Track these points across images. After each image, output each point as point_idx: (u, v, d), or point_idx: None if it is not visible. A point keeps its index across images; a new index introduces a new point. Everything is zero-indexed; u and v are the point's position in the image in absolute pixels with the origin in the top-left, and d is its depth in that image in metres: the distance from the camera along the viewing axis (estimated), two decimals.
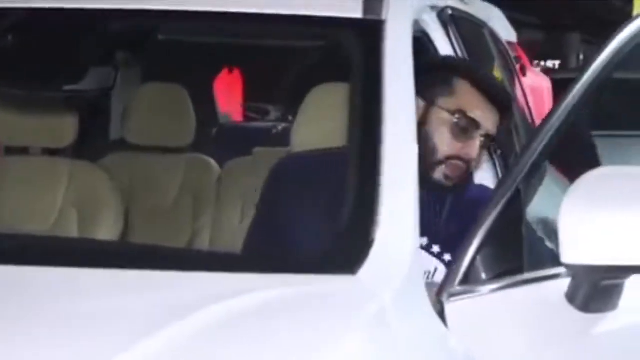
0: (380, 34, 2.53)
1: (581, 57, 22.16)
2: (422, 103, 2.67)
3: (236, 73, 6.61)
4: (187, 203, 3.96)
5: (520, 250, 2.37)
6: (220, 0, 2.73)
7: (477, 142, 2.69)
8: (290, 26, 2.77)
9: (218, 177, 3.98)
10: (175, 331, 1.79)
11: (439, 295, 2.24)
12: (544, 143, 2.37)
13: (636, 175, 2.29)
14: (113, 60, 4.20)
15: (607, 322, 2.32)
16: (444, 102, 2.70)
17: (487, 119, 2.70)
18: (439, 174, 2.67)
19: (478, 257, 2.29)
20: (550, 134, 2.38)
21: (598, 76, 2.43)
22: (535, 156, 2.37)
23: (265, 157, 3.83)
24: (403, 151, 2.35)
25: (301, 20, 2.67)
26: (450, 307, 2.23)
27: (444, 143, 2.67)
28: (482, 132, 2.69)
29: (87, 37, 3.04)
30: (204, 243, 3.87)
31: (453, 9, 3.28)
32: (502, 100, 2.77)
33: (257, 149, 4.04)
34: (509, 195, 2.32)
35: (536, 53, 18.85)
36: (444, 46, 3.08)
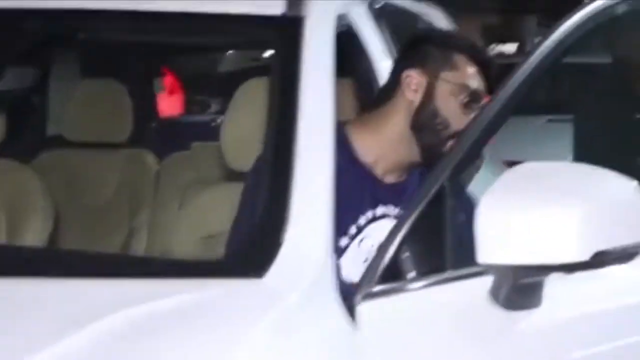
0: (300, 31, 2.52)
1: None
2: (423, 79, 2.72)
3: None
4: (124, 200, 3.92)
5: (443, 248, 2.33)
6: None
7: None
8: (213, 24, 2.73)
9: (156, 173, 3.94)
10: (68, 343, 1.77)
11: (355, 295, 2.21)
12: (474, 137, 2.36)
13: (554, 172, 2.29)
14: (39, 59, 4.14)
15: (531, 319, 2.31)
16: (447, 76, 2.72)
17: (475, 80, 2.75)
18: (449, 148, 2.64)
19: (399, 255, 2.26)
20: (481, 127, 2.36)
21: (540, 63, 2.41)
22: (464, 151, 2.35)
23: (204, 152, 3.82)
24: (318, 150, 2.33)
25: (223, 19, 2.66)
26: (364, 307, 2.20)
27: (454, 117, 2.70)
28: (482, 104, 2.70)
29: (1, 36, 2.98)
30: (141, 241, 3.84)
31: (386, 2, 3.22)
32: (492, 69, 2.81)
33: (195, 144, 4.01)
34: (433, 191, 2.29)
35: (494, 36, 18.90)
36: (373, 40, 3.03)
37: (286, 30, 2.54)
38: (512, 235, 2.11)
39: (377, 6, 3.17)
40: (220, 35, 3.09)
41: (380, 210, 2.71)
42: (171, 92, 6.81)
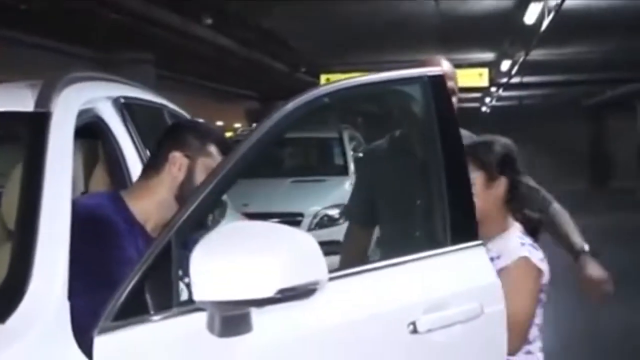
0: (46, 124, 2.43)
1: None
2: (185, 160, 2.68)
3: None
4: None
5: (171, 288, 2.23)
6: None
7: None
8: None
9: None
10: None
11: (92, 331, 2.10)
12: (198, 201, 2.28)
13: (252, 229, 2.27)
14: None
15: (246, 342, 2.22)
16: (205, 161, 2.69)
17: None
18: None
19: (134, 294, 2.17)
20: (204, 194, 2.29)
21: (252, 146, 2.36)
22: (189, 211, 2.27)
23: None
24: (57, 220, 2.24)
25: None
26: (99, 342, 2.08)
27: None
28: None
29: None
30: None
31: (127, 97, 3.15)
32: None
33: None
34: (163, 243, 2.22)
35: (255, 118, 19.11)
36: (119, 130, 2.96)
37: (35, 124, 2.45)
38: (216, 277, 2.08)
39: (121, 101, 3.08)
40: None
41: None
42: None
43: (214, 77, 17.76)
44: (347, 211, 3.62)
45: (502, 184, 3.12)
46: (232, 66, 15.29)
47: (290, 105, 2.43)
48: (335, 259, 8.41)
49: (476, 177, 3.04)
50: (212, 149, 2.71)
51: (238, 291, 2.06)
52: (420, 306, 2.52)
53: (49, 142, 2.36)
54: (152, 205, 2.65)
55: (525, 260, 3.01)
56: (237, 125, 23.32)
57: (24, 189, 2.30)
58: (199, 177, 2.64)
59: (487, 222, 2.97)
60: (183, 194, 2.64)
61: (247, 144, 2.37)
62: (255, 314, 2.18)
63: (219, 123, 22.36)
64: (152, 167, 2.71)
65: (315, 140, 10.98)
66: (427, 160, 2.88)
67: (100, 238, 2.47)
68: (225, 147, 2.74)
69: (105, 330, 2.11)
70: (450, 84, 3.36)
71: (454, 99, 3.43)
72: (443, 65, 3.42)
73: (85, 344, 2.08)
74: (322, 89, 2.52)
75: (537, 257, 3.05)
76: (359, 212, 3.74)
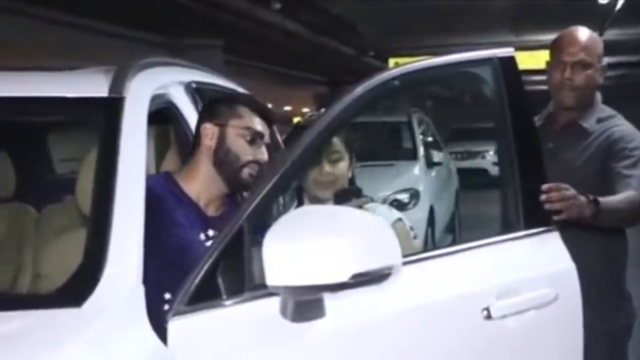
0: (119, 108, 2.45)
1: None
2: (216, 129, 2.75)
3: None
4: (11, 245, 3.74)
5: (244, 273, 2.24)
6: None
7: (264, 147, 2.77)
8: (45, 107, 2.62)
9: (36, 221, 3.77)
10: None
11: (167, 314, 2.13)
12: (271, 183, 2.30)
13: (324, 213, 2.26)
14: None
15: (319, 328, 2.22)
16: (235, 123, 2.76)
17: (264, 130, 2.80)
18: (245, 174, 2.73)
19: (207, 279, 2.19)
20: (278, 176, 2.31)
21: (322, 130, 2.38)
22: (262, 194, 2.28)
23: (72, 203, 3.67)
24: (132, 206, 2.26)
25: (53, 101, 2.57)
26: (174, 325, 2.10)
27: (243, 151, 2.73)
28: (265, 140, 2.78)
29: None
30: (27, 279, 3.65)
31: (198, 82, 3.18)
32: (270, 116, 2.86)
33: (67, 196, 3.86)
34: (235, 229, 2.23)
35: (323, 103, 19.15)
36: (191, 114, 2.98)
37: (109, 109, 2.47)
38: (289, 262, 2.08)
39: (192, 86, 3.13)
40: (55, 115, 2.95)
41: (211, 232, 2.68)
42: None
43: (282, 62, 17.82)
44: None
45: None
46: (300, 51, 15.33)
47: (360, 88, 2.42)
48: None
49: None
50: (241, 109, 2.77)
51: (311, 276, 2.06)
52: (493, 291, 2.50)
53: (123, 127, 2.38)
54: (199, 182, 2.73)
55: None
56: (305, 110, 23.37)
57: (98, 173, 2.32)
58: (232, 140, 2.73)
59: None
60: (219, 160, 2.72)
61: (317, 128, 2.37)
62: (328, 299, 2.19)
63: (287, 108, 22.44)
64: (192, 146, 2.81)
65: (384, 124, 10.93)
66: (499, 143, 2.85)
67: (158, 217, 2.51)
68: (256, 105, 2.81)
69: (179, 314, 2.14)
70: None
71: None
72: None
73: (159, 328, 2.11)
74: (392, 72, 2.51)
75: None
76: None
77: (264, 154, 2.75)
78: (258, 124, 2.77)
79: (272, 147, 2.91)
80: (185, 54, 10.94)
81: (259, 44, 14.03)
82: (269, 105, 3.05)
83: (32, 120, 3.43)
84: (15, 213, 3.74)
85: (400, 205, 8.97)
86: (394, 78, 2.50)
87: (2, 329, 1.87)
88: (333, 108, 2.41)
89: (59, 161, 4.36)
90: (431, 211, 9.05)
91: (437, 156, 10.08)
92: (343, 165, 3.02)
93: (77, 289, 2.05)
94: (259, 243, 2.15)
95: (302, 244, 2.07)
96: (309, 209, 2.26)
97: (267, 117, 2.82)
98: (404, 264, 2.24)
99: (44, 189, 4.11)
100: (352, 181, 3.13)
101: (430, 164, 9.81)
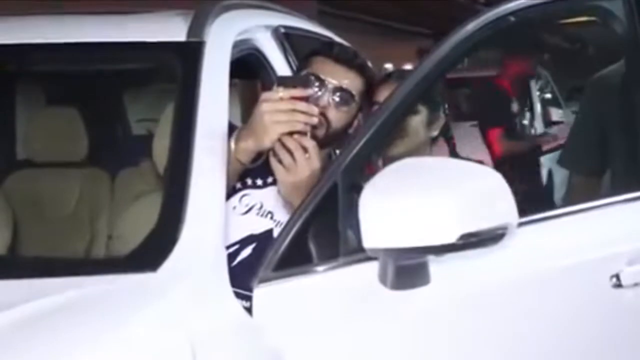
0: (199, 54, 2.44)
1: None
2: None
3: None
4: (84, 211, 3.81)
5: (337, 236, 2.21)
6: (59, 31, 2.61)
7: (326, 95, 2.60)
8: (115, 53, 2.63)
9: (110, 186, 3.83)
10: None
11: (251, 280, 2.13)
12: (367, 136, 2.27)
13: (426, 166, 2.21)
14: (5, 91, 4.02)
15: (423, 296, 2.18)
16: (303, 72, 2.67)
17: (336, 77, 2.63)
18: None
19: (296, 242, 2.17)
20: (374, 128, 2.27)
21: (427, 75, 2.33)
22: (357, 148, 2.26)
23: (147, 166, 3.71)
24: (212, 160, 2.24)
25: (130, 46, 2.57)
26: (259, 293, 2.09)
27: (327, 112, 2.61)
28: (330, 86, 2.61)
29: None
30: (101, 245, 3.72)
31: (287, 27, 3.14)
32: (353, 61, 2.71)
33: (143, 160, 3.90)
34: (327, 187, 2.21)
35: None
36: (279, 61, 2.96)
37: (187, 54, 2.46)
38: (388, 221, 2.03)
39: (281, 31, 3.08)
40: (132, 62, 2.95)
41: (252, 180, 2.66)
42: None
43: (381, 12, 17.68)
44: (565, 158, 3.24)
45: None
46: (403, 0, 15.19)
47: (471, 25, 2.36)
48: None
49: None
50: (318, 60, 2.68)
51: (414, 237, 2.01)
52: (624, 256, 2.41)
53: (203, 74, 2.37)
54: None
55: None
56: (408, 67, 23.19)
57: (175, 125, 2.32)
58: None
59: None
60: None
61: (419, 74, 2.32)
62: (433, 263, 2.15)
63: (388, 65, 22.29)
64: None
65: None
66: (630, 93, 2.75)
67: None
68: (336, 55, 2.69)
69: (265, 281, 2.12)
70: None
71: None
72: None
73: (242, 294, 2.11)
74: (509, 6, 2.43)
75: None
76: (585, 157, 3.27)
77: (322, 99, 2.60)
78: (323, 70, 2.65)
79: (368, 104, 2.84)
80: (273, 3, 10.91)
81: None
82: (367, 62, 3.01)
83: (103, 72, 3.47)
84: (88, 178, 3.80)
85: None
86: (511, 13, 2.42)
87: (64, 297, 1.87)
88: (439, 48, 2.35)
89: (135, 122, 4.41)
90: (549, 175, 8.90)
91: (556, 114, 9.90)
92: (416, 119, 2.90)
93: (151, 252, 2.04)
94: (355, 201, 2.11)
95: (402, 201, 2.02)
96: (410, 162, 2.18)
97: (351, 63, 2.71)
98: (520, 224, 2.18)
99: (119, 151, 4.17)
100: (449, 141, 3.06)
101: (548, 123, 9.65)
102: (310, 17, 4.11)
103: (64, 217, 3.82)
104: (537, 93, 10.24)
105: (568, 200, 3.41)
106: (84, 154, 3.80)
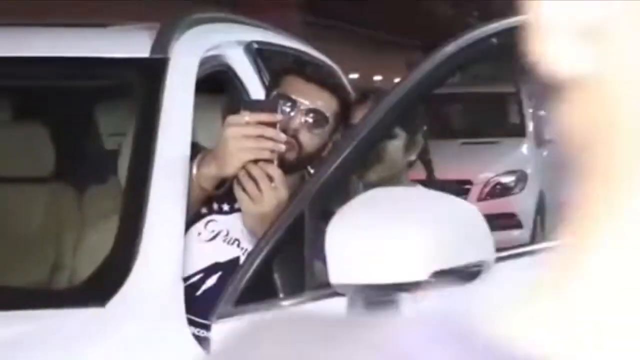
0: (161, 72, 2.37)
1: None
2: None
3: None
4: (50, 227, 3.72)
5: (304, 269, 2.13)
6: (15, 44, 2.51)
7: (298, 117, 2.48)
8: (76, 69, 2.54)
9: (78, 204, 3.74)
10: None
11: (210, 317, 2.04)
12: (337, 162, 2.18)
13: (399, 197, 2.14)
14: None
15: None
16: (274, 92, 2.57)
17: (308, 97, 2.51)
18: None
19: (259, 275, 2.08)
20: (345, 153, 2.19)
21: (405, 96, 2.25)
22: (326, 175, 2.17)
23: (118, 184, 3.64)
24: (171, 186, 2.17)
25: (92, 61, 2.49)
26: (218, 329, 2.01)
27: (304, 139, 2.50)
28: (302, 107, 2.50)
29: None
30: (68, 264, 3.63)
31: (261, 42, 3.06)
32: (326, 80, 2.62)
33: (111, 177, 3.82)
34: (296, 213, 2.13)
35: None
36: (250, 78, 2.87)
37: (150, 71, 2.39)
38: (357, 256, 1.96)
39: (254, 47, 3.00)
40: (91, 78, 2.85)
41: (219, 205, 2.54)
42: None
43: (370, 22, 17.68)
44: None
45: None
46: (390, 9, 15.17)
47: (451, 47, 2.28)
48: (508, 235, 8.20)
49: None
50: (290, 80, 2.57)
51: (384, 273, 1.94)
52: None
53: (165, 92, 2.29)
54: None
55: None
56: (398, 80, 23.22)
57: (134, 147, 2.25)
58: None
59: None
60: None
61: (395, 95, 2.24)
62: (405, 301, 2.05)
63: (377, 78, 22.31)
64: None
65: (488, 95, 10.75)
66: None
67: None
68: (311, 75, 2.58)
69: (224, 316, 2.03)
70: None
71: None
72: None
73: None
74: (491, 27, 2.35)
75: None
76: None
77: (294, 122, 2.49)
78: (295, 90, 2.53)
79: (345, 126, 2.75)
80: (254, 13, 10.87)
81: (341, 1, 13.92)
82: (354, 75, 2.91)
83: (69, 86, 3.39)
84: (54, 194, 3.72)
85: (504, 189, 8.81)
86: (493, 35, 2.35)
87: (10, 331, 1.78)
88: (416, 71, 2.27)
89: (107, 136, 4.32)
90: (541, 197, 8.85)
91: (549, 133, 9.85)
92: (394, 144, 2.73)
93: (100, 284, 1.96)
94: (321, 233, 2.03)
95: (372, 235, 1.95)
96: (378, 193, 2.11)
97: (325, 83, 2.61)
98: (498, 259, 2.09)
99: (88, 167, 4.08)
100: (427, 165, 2.97)
101: (541, 142, 9.61)
102: (293, 26, 4.02)
103: (27, 235, 3.73)
104: (530, 110, 10.21)
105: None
106: (50, 169, 3.72)
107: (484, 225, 2.04)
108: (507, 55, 2.59)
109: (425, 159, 2.93)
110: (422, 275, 1.93)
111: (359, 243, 1.96)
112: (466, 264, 1.99)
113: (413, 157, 2.83)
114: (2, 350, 1.73)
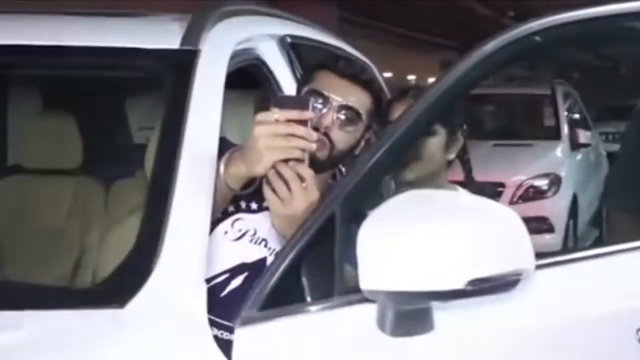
0: (191, 64, 2.29)
1: None
2: None
3: None
4: (75, 222, 3.66)
5: (333, 273, 2.04)
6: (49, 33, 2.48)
7: (330, 113, 2.42)
8: (115, 57, 2.45)
9: (104, 197, 3.69)
10: None
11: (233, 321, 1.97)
12: (372, 161, 2.09)
13: (436, 201, 2.05)
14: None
15: (425, 345, 2.01)
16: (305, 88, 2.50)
17: (341, 93, 2.45)
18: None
19: (286, 279, 2.00)
20: (381, 152, 2.10)
21: (444, 93, 2.16)
22: (360, 174, 2.08)
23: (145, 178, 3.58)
24: (197, 185, 2.08)
25: (119, 52, 2.41)
26: (241, 335, 1.94)
27: (333, 134, 2.44)
28: (334, 104, 2.43)
29: None
30: (92, 260, 3.57)
31: (294, 36, 2.99)
32: (359, 76, 2.52)
33: (139, 171, 3.76)
34: (322, 219, 2.04)
35: None
36: (283, 72, 2.81)
37: (180, 63, 2.31)
38: (389, 262, 1.88)
39: (287, 41, 2.96)
40: (122, 69, 2.79)
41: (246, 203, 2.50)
42: None
43: (406, 22, 17.61)
44: (606, 194, 3.04)
45: None
46: (427, 10, 15.09)
47: (491, 45, 2.20)
48: (540, 239, 8.12)
49: None
50: (318, 73, 2.51)
51: (417, 280, 1.86)
52: None
53: (195, 85, 2.22)
54: None
55: None
56: (432, 79, 23.15)
57: (160, 143, 2.16)
58: None
59: None
60: None
61: (435, 92, 2.15)
62: (438, 310, 1.98)
63: (411, 77, 22.22)
64: None
65: (523, 97, 10.70)
66: None
67: None
68: (332, 65, 2.52)
69: (248, 321, 1.95)
70: None
71: None
72: None
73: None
74: (533, 25, 2.26)
75: None
76: (626, 194, 3.13)
77: (326, 119, 2.43)
78: (328, 86, 2.47)
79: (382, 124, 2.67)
80: (293, 9, 10.84)
81: (379, 0, 13.87)
82: (388, 74, 2.82)
83: (100, 77, 3.33)
84: (81, 188, 3.67)
85: (537, 193, 8.74)
86: (535, 33, 2.25)
87: (25, 333, 1.72)
88: (454, 69, 2.18)
89: (137, 129, 4.27)
90: (574, 201, 8.78)
91: (584, 136, 9.78)
92: (434, 142, 2.70)
93: (120, 284, 1.87)
94: (353, 236, 1.95)
95: (406, 239, 1.87)
96: (414, 195, 2.02)
97: (357, 79, 2.53)
98: (539, 267, 2.01)
99: (116, 160, 4.03)
100: (466, 165, 2.88)
101: (575, 145, 9.53)
102: (330, 24, 3.95)
103: (53, 228, 3.68)
104: (565, 113, 10.13)
105: (604, 239, 3.24)
106: (78, 162, 3.67)
107: (524, 232, 1.96)
108: (546, 54, 2.50)
109: (463, 159, 2.85)
110: (458, 283, 1.86)
111: (391, 248, 1.89)
112: (504, 272, 1.91)
113: (452, 156, 2.76)
114: (16, 351, 1.67)
